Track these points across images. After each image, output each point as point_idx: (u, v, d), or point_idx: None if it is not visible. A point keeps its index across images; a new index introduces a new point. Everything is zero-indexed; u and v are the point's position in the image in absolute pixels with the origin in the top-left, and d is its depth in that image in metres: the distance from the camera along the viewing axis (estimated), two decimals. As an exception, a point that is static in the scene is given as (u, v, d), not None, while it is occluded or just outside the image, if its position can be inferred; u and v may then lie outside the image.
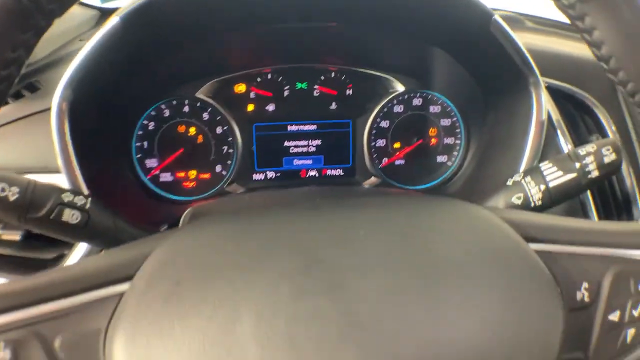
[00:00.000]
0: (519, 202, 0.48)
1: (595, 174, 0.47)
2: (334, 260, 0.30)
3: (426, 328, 0.27)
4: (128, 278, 0.31)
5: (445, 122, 0.74)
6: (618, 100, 0.69)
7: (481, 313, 0.29)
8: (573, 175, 0.47)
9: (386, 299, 0.28)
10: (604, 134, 0.66)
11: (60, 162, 0.53)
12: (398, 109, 0.73)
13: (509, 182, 0.49)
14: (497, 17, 0.55)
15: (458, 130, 0.74)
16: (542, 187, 0.48)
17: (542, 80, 0.59)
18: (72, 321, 0.30)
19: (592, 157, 0.47)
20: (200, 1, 0.54)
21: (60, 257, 0.58)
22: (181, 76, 0.68)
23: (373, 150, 0.73)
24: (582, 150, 0.48)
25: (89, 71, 0.53)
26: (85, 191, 0.53)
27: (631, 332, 0.35)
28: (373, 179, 0.73)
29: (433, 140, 0.74)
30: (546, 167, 0.48)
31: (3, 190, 0.43)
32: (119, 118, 0.65)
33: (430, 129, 0.74)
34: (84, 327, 0.30)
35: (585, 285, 0.34)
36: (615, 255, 0.36)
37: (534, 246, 0.34)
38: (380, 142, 0.73)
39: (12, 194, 0.43)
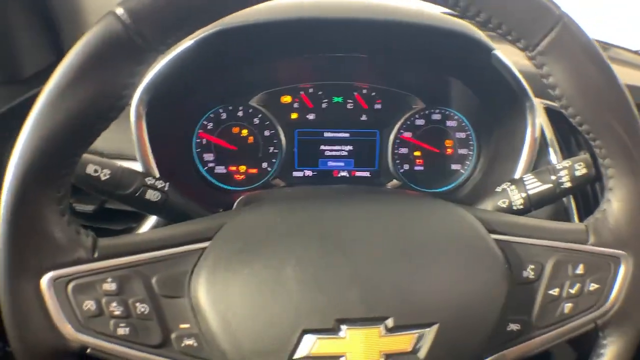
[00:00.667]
0: (504, 205, 0.56)
1: (567, 185, 0.55)
2: (345, 236, 0.42)
3: (400, 284, 0.40)
4: (208, 239, 0.41)
5: (460, 135, 0.85)
6: None
7: (443, 278, 0.41)
8: (549, 185, 0.55)
9: (376, 261, 0.40)
10: (590, 150, 0.75)
11: (137, 152, 0.65)
12: (419, 122, 0.84)
13: (498, 189, 0.58)
14: (496, 51, 0.66)
15: (471, 143, 0.85)
16: (523, 194, 0.56)
17: (540, 102, 0.69)
18: (166, 265, 0.40)
19: (567, 171, 0.55)
20: (258, 36, 0.68)
21: (129, 229, 0.67)
22: (237, 87, 0.81)
23: (396, 156, 0.85)
24: (559, 165, 0.56)
25: (163, 80, 0.65)
26: (156, 171, 0.65)
27: (568, 305, 0.44)
28: (395, 182, 0.85)
29: (449, 150, 0.85)
30: (528, 178, 0.57)
31: (96, 171, 0.51)
32: (184, 118, 0.79)
33: (447, 141, 0.85)
34: (175, 269, 0.40)
35: (531, 266, 0.44)
36: (557, 246, 0.44)
37: (494, 236, 0.44)
38: (403, 150, 0.85)
39: (104, 174, 0.51)
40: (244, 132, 0.83)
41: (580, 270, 0.44)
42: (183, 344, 0.39)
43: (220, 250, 0.41)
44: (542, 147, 0.71)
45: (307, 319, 0.38)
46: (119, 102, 0.36)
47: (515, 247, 0.44)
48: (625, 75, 1.00)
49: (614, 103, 0.40)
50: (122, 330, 0.38)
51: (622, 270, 0.44)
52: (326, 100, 0.84)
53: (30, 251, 0.36)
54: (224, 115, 0.83)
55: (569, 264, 0.44)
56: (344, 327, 0.37)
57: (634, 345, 0.46)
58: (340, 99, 0.84)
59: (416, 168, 0.86)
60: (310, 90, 0.83)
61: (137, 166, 0.66)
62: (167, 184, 0.55)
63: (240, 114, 0.83)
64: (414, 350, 0.38)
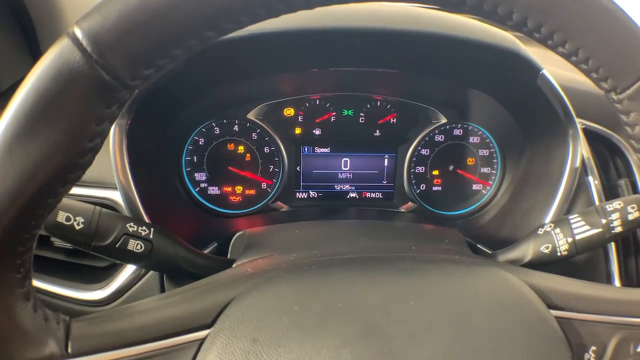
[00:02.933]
0: (547, 251, 0.53)
1: (619, 229, 0.51)
2: (387, 328, 0.34)
3: None
4: (207, 326, 0.34)
5: (484, 152, 0.76)
6: None
7: None
8: (599, 230, 0.52)
9: (413, 340, 0.33)
10: (632, 177, 0.68)
11: (117, 182, 0.56)
12: (439, 138, 0.75)
13: (540, 231, 0.54)
14: (545, 71, 0.57)
15: (495, 161, 0.76)
16: (570, 239, 0.52)
17: (579, 122, 0.61)
18: None
19: (618, 214, 0.51)
20: (261, 47, 0.57)
21: (112, 266, 0.60)
22: (234, 100, 0.71)
23: (412, 176, 0.76)
24: (609, 207, 0.52)
25: (148, 95, 0.56)
26: (140, 205, 0.56)
27: None
28: (410, 204, 0.76)
29: (470, 169, 0.77)
30: (575, 220, 0.52)
31: (68, 219, 0.45)
32: (172, 134, 0.69)
33: (468, 159, 0.76)
34: None
35: (593, 348, 0.39)
36: (621, 322, 0.40)
37: (554, 312, 0.39)
38: (420, 169, 0.76)
39: (78, 223, 0.45)
40: (241, 148, 0.74)
41: None
42: None
43: (224, 349, 0.33)
44: (581, 175, 0.63)
45: None
46: (82, 159, 0.28)
47: (577, 325, 0.40)
48: None
49: None
50: None
51: None
52: (335, 113, 0.74)
53: None
54: (217, 130, 0.73)
55: (632, 342, 0.40)
56: None
57: None
58: (350, 112, 0.74)
59: (434, 188, 0.77)
60: (318, 102, 0.73)
61: (113, 194, 0.58)
62: (152, 230, 0.49)
63: (236, 128, 0.73)
64: None
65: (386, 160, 0.76)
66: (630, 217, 0.51)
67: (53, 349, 0.31)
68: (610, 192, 0.66)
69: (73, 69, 0.26)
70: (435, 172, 0.76)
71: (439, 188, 0.77)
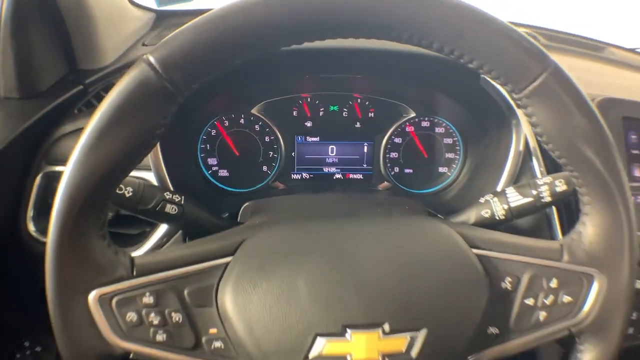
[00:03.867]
0: (487, 215, 0.62)
1: (547, 199, 0.60)
2: (349, 254, 0.47)
3: (395, 294, 0.45)
4: (230, 254, 0.47)
5: (448, 140, 0.91)
6: None
7: (431, 289, 0.46)
8: (529, 199, 0.60)
9: (375, 275, 0.46)
10: None
11: (152, 167, 0.70)
12: (409, 129, 0.91)
13: (482, 200, 0.64)
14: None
15: (458, 148, 0.91)
16: (505, 206, 0.61)
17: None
18: (195, 279, 0.45)
19: (547, 186, 0.60)
20: (264, 61, 0.73)
21: (143, 233, 0.72)
22: (240, 98, 0.87)
23: (387, 161, 0.91)
24: (540, 181, 0.61)
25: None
26: (169, 182, 0.70)
27: (543, 314, 0.48)
28: (386, 184, 0.92)
29: (436, 155, 0.92)
30: (510, 191, 0.61)
31: (120, 189, 0.56)
32: (191, 126, 0.84)
33: (435, 146, 0.92)
34: (203, 283, 0.45)
35: (508, 279, 0.48)
36: (533, 262, 0.49)
37: (475, 251, 0.49)
38: (394, 155, 0.91)
39: (128, 192, 0.56)
40: (245, 138, 0.89)
41: (554, 284, 0.48)
42: (213, 347, 0.45)
43: (242, 266, 0.46)
44: (526, 159, 0.76)
45: (319, 324, 0.43)
46: (153, 140, 0.41)
47: (495, 261, 0.49)
48: (620, 77, 1.06)
49: (593, 142, 0.43)
50: (160, 337, 0.44)
51: (595, 286, 0.48)
52: (323, 109, 0.89)
53: (78, 272, 0.42)
54: (226, 123, 0.88)
55: (544, 278, 0.49)
56: (349, 331, 0.44)
57: (611, 354, 0.50)
58: (336, 108, 0.89)
59: (406, 171, 0.92)
60: (309, 100, 0.89)
61: (147, 174, 0.71)
62: (183, 197, 0.60)
63: (242, 121, 0.88)
64: (407, 351, 0.45)
65: (365, 147, 0.91)
66: (558, 189, 0.60)
67: (122, 273, 0.43)
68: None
69: (148, 81, 0.39)
70: (407, 157, 0.92)
71: (410, 170, 0.92)
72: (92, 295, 0.42)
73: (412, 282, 0.46)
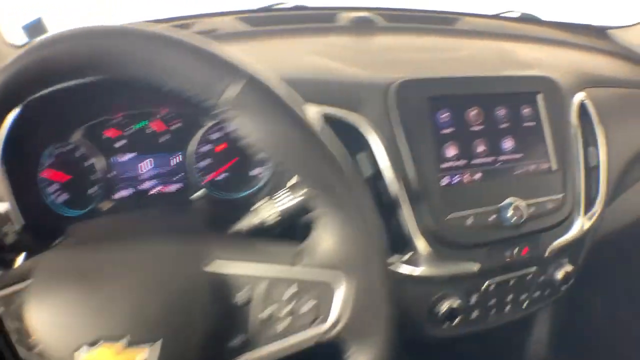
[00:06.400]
0: (257, 222, 0.62)
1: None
2: (96, 271, 0.50)
3: (135, 309, 0.47)
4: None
5: (257, 142, 0.91)
6: (390, 124, 0.79)
7: (165, 303, 0.48)
8: (301, 198, 0.60)
9: (120, 292, 0.48)
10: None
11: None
12: (215, 135, 0.92)
13: (253, 208, 0.63)
14: None
15: None
16: (274, 210, 0.61)
17: (319, 109, 0.73)
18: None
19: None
20: None
21: None
22: (59, 126, 0.92)
23: (197, 170, 0.93)
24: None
25: None
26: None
27: (283, 324, 0.49)
28: (200, 192, 0.93)
29: (247, 158, 0.91)
30: (283, 193, 0.62)
31: None
32: (27, 158, 0.92)
33: (245, 149, 0.91)
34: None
35: (242, 291, 0.49)
36: (269, 269, 0.49)
37: (208, 268, 0.50)
38: (204, 163, 0.93)
39: None
40: (71, 164, 0.95)
41: (293, 289, 0.48)
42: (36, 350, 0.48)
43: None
44: None
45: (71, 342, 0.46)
46: None
47: (229, 275, 0.50)
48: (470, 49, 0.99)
49: (300, 147, 0.45)
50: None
51: (340, 289, 0.48)
52: (133, 127, 0.94)
53: None
54: (56, 151, 0.95)
55: (282, 285, 0.49)
56: (96, 345, 0.46)
57: (381, 357, 0.49)
58: (145, 123, 0.93)
59: (220, 177, 0.93)
60: (121, 120, 0.93)
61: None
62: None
63: (65, 148, 0.95)
64: None
65: (176, 159, 0.93)
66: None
67: None
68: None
69: None
70: (218, 164, 0.93)
71: (224, 175, 0.94)
72: None
73: (150, 297, 0.48)
